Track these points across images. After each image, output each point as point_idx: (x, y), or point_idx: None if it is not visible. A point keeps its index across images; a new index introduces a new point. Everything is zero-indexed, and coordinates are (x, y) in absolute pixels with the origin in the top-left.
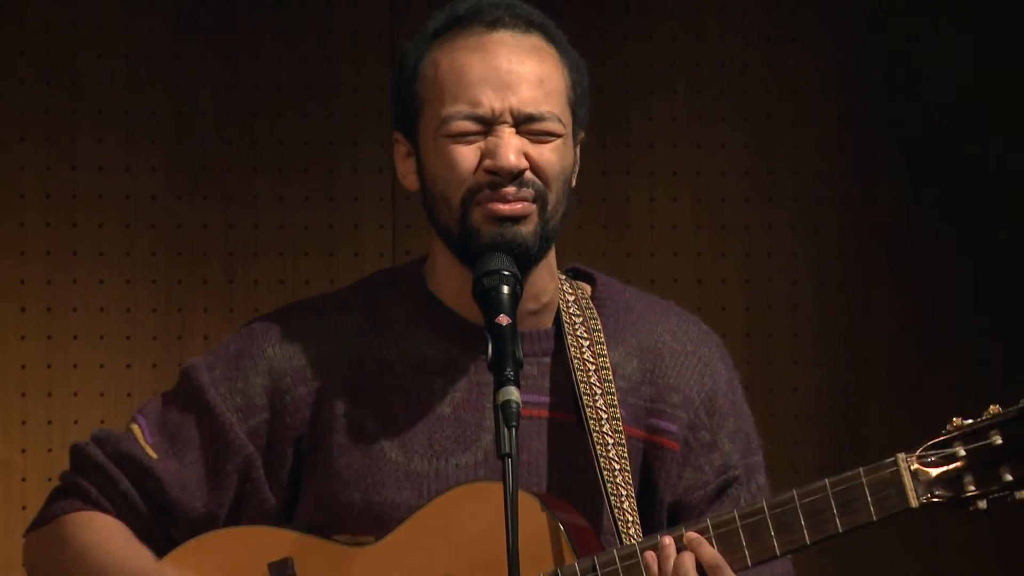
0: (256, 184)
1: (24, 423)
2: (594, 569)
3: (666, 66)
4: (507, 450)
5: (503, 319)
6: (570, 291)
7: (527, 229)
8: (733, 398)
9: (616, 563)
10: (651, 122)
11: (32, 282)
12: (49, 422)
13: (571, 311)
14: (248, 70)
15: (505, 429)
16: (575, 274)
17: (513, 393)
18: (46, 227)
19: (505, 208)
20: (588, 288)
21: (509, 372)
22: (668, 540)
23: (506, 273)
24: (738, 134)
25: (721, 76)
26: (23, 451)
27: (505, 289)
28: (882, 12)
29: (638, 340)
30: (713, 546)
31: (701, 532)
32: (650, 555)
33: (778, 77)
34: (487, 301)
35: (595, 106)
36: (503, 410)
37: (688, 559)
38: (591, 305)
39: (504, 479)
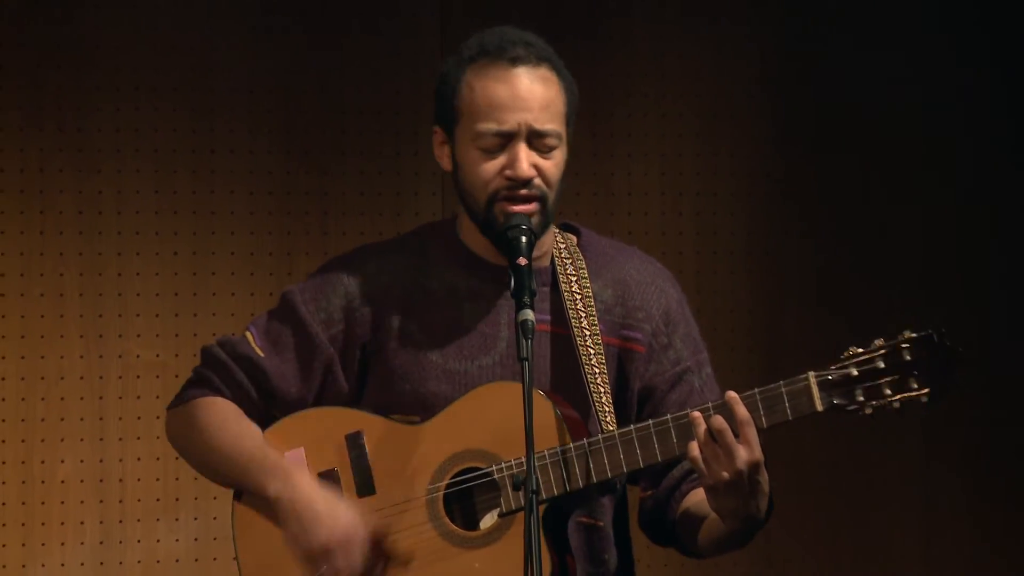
0: (344, 162)
1: (177, 335)
2: (586, 445)
3: (640, 76)
4: (524, 355)
5: (522, 260)
6: (562, 240)
7: (533, 221)
8: (682, 312)
9: (600, 443)
10: (629, 118)
11: (183, 233)
12: (195, 334)
13: (563, 255)
14: (338, 80)
15: (523, 340)
16: (565, 227)
17: (529, 314)
18: (192, 193)
19: (517, 209)
20: (575, 238)
21: (526, 299)
22: (697, 413)
23: (524, 227)
24: (691, 126)
25: (679, 83)
26: (176, 355)
27: (523, 239)
28: (795, 35)
29: (612, 275)
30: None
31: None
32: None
33: (720, 84)
34: (511, 247)
35: (588, 105)
36: (522, 327)
37: (717, 418)
38: (577, 250)
39: (522, 376)
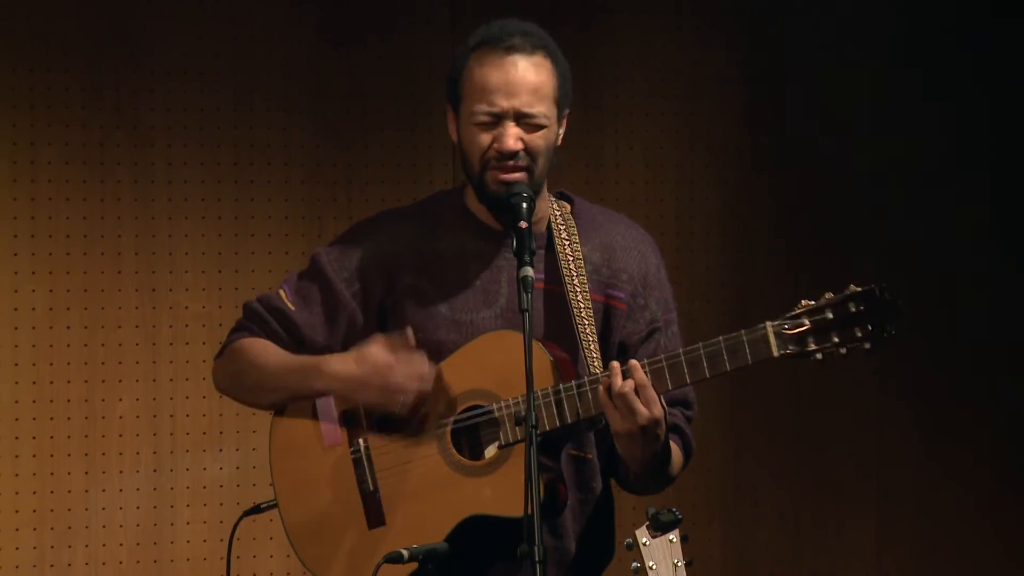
0: (367, 137)
1: (220, 289)
2: (575, 387)
3: (626, 64)
4: (525, 307)
5: (523, 224)
6: (557, 208)
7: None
8: (659, 276)
9: (587, 385)
10: (616, 99)
11: (225, 200)
12: (236, 288)
13: (558, 221)
14: (362, 66)
15: (524, 293)
16: (560, 196)
17: (529, 271)
18: (234, 165)
19: (504, 178)
20: (568, 206)
21: (527, 258)
22: (616, 364)
23: (525, 194)
24: (671, 107)
25: (660, 71)
26: (219, 307)
27: (524, 204)
28: (762, 25)
29: (600, 240)
30: (646, 375)
31: (640, 367)
32: (604, 379)
33: (697, 71)
34: (513, 212)
35: (580, 88)
36: (523, 282)
37: (628, 382)
38: (570, 217)
39: (523, 325)
